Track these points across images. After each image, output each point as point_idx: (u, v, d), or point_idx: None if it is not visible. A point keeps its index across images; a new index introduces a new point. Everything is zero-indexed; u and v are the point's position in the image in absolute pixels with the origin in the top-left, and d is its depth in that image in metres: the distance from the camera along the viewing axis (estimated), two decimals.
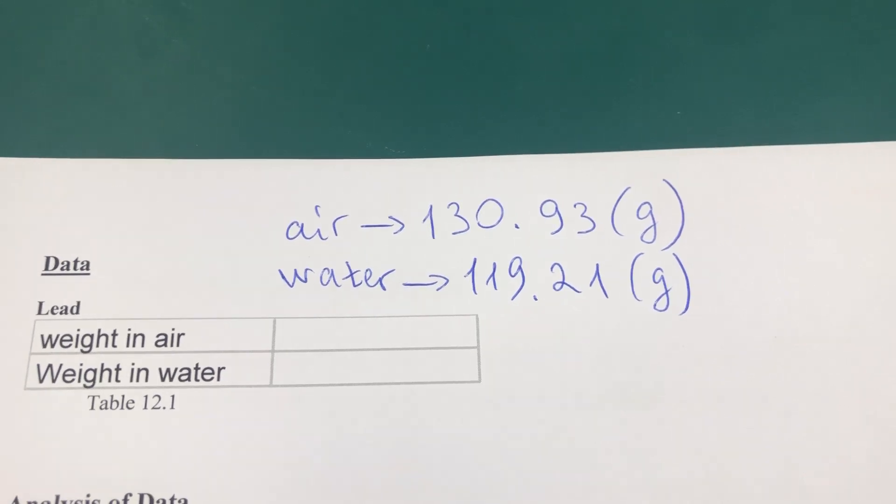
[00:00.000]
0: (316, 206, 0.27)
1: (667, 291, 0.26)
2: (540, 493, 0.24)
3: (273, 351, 0.25)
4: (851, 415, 0.25)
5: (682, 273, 0.26)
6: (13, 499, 0.23)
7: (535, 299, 0.26)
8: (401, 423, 0.24)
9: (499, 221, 0.27)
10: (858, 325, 0.26)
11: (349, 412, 0.24)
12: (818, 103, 0.29)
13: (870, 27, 0.30)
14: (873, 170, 0.27)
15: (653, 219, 0.27)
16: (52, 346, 0.25)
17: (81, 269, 0.26)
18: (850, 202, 0.27)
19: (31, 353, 0.25)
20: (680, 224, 0.27)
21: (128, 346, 0.25)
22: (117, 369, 0.25)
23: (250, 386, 0.25)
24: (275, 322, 0.25)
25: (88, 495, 0.23)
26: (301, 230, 0.27)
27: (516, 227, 0.27)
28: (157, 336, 0.25)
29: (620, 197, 0.27)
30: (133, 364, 0.25)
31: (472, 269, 0.26)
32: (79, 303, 0.25)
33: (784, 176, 0.27)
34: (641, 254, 0.26)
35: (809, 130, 0.28)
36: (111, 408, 0.24)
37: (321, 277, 0.26)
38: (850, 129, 0.28)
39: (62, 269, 0.26)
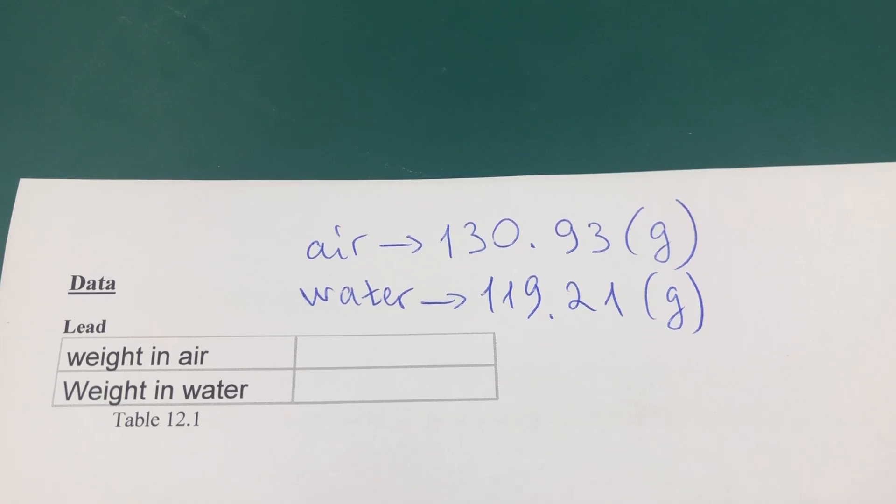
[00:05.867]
0: (336, 226, 0.27)
1: (680, 310, 0.26)
2: None
3: (294, 368, 0.26)
4: (863, 430, 0.25)
5: (696, 292, 0.27)
6: None
7: (551, 318, 0.26)
8: (419, 439, 0.25)
9: (515, 241, 0.27)
10: (869, 342, 0.26)
11: (369, 428, 0.25)
12: (827, 125, 0.29)
13: (877, 50, 0.31)
14: (882, 190, 0.28)
15: (666, 238, 0.27)
16: (79, 363, 0.25)
17: (107, 288, 0.26)
18: (860, 221, 0.27)
19: (58, 371, 0.25)
20: (693, 243, 0.27)
21: (152, 363, 0.25)
22: (142, 386, 0.25)
23: (272, 403, 0.25)
24: (296, 340, 0.26)
25: None
26: (321, 249, 0.27)
27: (532, 246, 0.27)
28: (182, 354, 0.26)
29: (634, 217, 0.28)
30: (158, 381, 0.25)
31: (489, 288, 0.27)
32: (105, 321, 0.26)
33: (794, 196, 0.28)
34: (655, 273, 0.27)
35: (819, 151, 0.29)
36: (136, 424, 0.25)
37: (341, 296, 0.27)
38: (859, 149, 0.29)
39: (88, 288, 0.26)
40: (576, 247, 0.27)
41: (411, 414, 0.25)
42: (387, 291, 0.27)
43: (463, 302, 0.27)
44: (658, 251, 0.27)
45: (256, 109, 0.30)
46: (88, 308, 0.26)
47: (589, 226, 0.27)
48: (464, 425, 0.25)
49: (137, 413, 0.25)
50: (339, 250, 0.27)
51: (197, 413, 0.25)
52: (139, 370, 0.25)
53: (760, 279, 0.27)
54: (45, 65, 0.30)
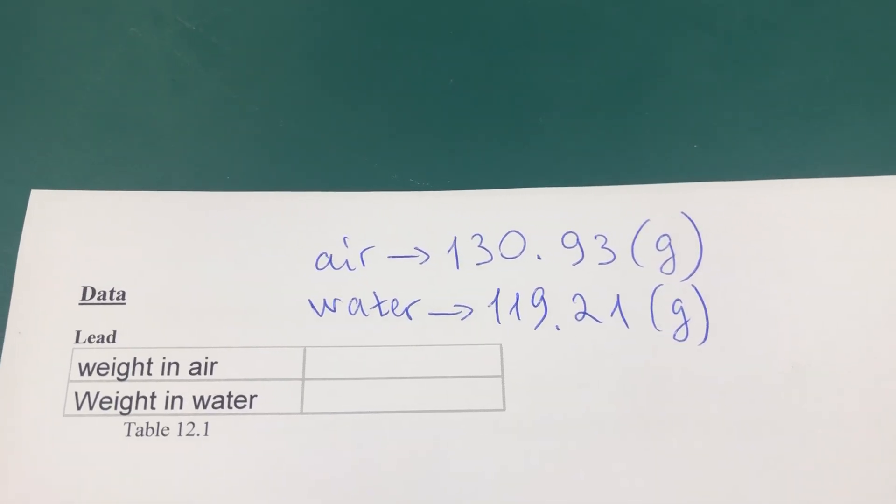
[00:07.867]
0: (344, 238, 0.28)
1: (686, 322, 0.27)
2: None
3: (303, 379, 0.26)
4: (869, 441, 0.25)
5: (701, 304, 0.27)
6: None
7: (558, 329, 0.26)
8: (427, 450, 0.25)
9: (521, 252, 0.28)
10: (874, 354, 0.26)
11: (376, 439, 0.25)
12: (832, 137, 0.29)
13: (882, 62, 0.31)
14: (887, 202, 0.28)
15: (672, 250, 0.27)
16: (90, 373, 0.26)
17: (117, 298, 0.27)
18: (864, 234, 0.28)
19: (69, 381, 0.25)
20: (698, 256, 0.27)
21: (163, 374, 0.26)
22: (152, 397, 0.25)
23: (281, 413, 0.25)
24: (305, 351, 0.26)
25: None
26: (330, 261, 0.27)
27: (538, 258, 0.27)
28: (192, 364, 0.26)
29: (640, 229, 0.28)
30: (168, 392, 0.25)
31: (496, 300, 0.27)
32: (115, 332, 0.26)
33: (799, 208, 0.28)
34: (661, 285, 0.27)
35: (823, 164, 0.29)
36: (147, 435, 0.25)
37: (349, 307, 0.27)
38: (864, 162, 0.29)
39: (99, 298, 0.27)
40: (582, 259, 0.27)
41: (419, 425, 0.25)
42: (394, 303, 0.27)
43: (470, 313, 0.27)
44: (664, 263, 0.27)
45: (266, 121, 0.30)
46: (99, 319, 0.26)
47: (595, 238, 0.28)
48: (471, 436, 0.25)
49: (148, 423, 0.25)
50: (347, 261, 0.27)
51: (207, 423, 0.25)
52: (149, 380, 0.26)
53: (765, 291, 0.27)
54: (55, 76, 0.30)
